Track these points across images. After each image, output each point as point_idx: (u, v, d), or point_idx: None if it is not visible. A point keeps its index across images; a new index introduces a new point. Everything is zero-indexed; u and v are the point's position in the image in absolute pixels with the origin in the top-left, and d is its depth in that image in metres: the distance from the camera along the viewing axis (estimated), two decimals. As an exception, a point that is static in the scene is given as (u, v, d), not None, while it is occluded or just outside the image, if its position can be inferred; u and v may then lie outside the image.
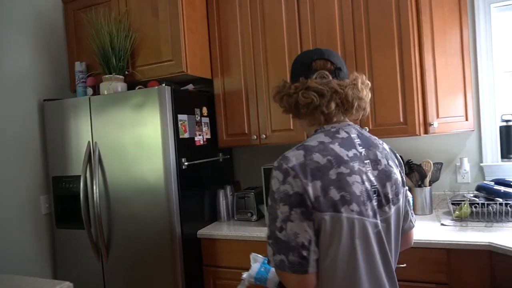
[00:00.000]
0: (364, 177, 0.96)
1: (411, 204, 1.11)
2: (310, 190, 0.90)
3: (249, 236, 2.03)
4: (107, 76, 2.22)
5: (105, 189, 2.14)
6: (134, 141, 2.05)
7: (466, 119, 2.10)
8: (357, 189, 0.94)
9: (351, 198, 0.92)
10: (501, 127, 2.15)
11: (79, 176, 2.17)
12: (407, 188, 1.14)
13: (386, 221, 0.99)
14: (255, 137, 2.30)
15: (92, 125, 2.17)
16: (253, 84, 2.30)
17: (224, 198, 2.36)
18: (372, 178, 0.98)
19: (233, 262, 2.08)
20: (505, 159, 2.15)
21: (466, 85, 2.10)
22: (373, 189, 0.97)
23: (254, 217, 2.29)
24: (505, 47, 2.19)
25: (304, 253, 0.91)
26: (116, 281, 2.13)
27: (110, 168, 2.13)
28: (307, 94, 1.01)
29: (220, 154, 2.48)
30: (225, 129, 2.40)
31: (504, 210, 1.86)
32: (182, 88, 2.29)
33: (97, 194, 2.11)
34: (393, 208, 1.01)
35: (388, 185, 1.00)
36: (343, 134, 1.01)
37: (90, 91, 2.33)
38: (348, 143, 0.99)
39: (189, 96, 2.24)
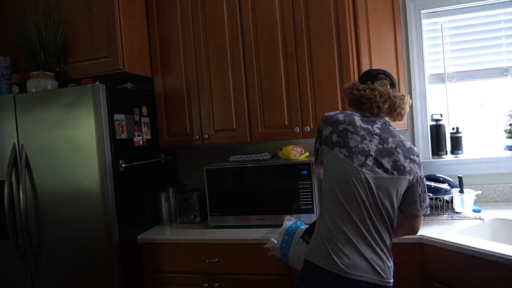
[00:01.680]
0: (365, 141, 1.35)
1: (424, 199, 1.38)
2: (323, 131, 1.45)
3: (192, 239, 1.98)
4: (35, 72, 2.05)
5: (34, 195, 1.98)
6: (66, 143, 1.92)
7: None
8: (353, 143, 1.35)
9: (344, 145, 1.36)
10: (431, 126, 2.29)
11: (3, 181, 1.98)
12: (420, 181, 1.38)
13: (376, 179, 1.31)
14: (198, 137, 2.25)
15: (17, 126, 1.99)
16: (194, 82, 2.24)
17: (166, 201, 2.28)
18: (373, 147, 1.34)
19: (176, 267, 2.01)
20: (435, 156, 2.29)
21: (400, 86, 2.20)
22: (368, 152, 1.33)
23: (198, 219, 2.24)
24: (434, 51, 2.33)
25: None
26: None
27: (39, 173, 1.97)
28: (372, 92, 1.41)
29: (162, 155, 2.40)
30: (166, 129, 2.32)
31: (434, 204, 1.97)
32: (119, 87, 2.18)
33: (24, 201, 1.94)
34: (386, 175, 1.31)
35: (386, 158, 1.33)
36: (371, 119, 1.42)
37: (16, 88, 2.14)
38: (368, 122, 1.40)
39: (127, 95, 2.14)
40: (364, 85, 1.45)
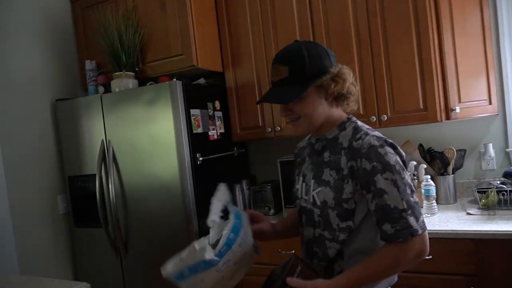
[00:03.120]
0: None
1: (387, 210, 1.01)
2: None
3: (267, 231, 1.99)
4: (117, 73, 2.19)
5: (121, 187, 2.13)
6: (148, 138, 2.03)
7: (490, 103, 2.01)
8: None
9: None
10: (527, 110, 2.05)
11: (94, 175, 2.16)
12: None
13: None
14: (270, 129, 2.25)
15: (105, 123, 2.15)
16: (265, 75, 2.24)
17: (241, 193, 2.32)
18: None
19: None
20: (532, 143, 2.06)
21: (489, 67, 2.01)
22: None
23: (272, 210, 2.25)
24: (530, 26, 2.08)
25: None
26: (136, 278, 2.13)
27: (125, 166, 2.11)
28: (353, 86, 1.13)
29: (235, 148, 2.45)
30: (238, 123, 2.35)
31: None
32: (193, 83, 2.25)
33: (113, 193, 2.10)
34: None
35: None
36: None
37: (101, 89, 2.31)
38: None
39: (201, 90, 2.20)
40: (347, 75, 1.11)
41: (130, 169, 2.10)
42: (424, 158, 2.12)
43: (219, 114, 2.30)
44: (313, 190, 1.10)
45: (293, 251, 1.89)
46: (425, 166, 2.04)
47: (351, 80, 1.10)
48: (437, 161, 2.08)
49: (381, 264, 0.98)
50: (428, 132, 2.23)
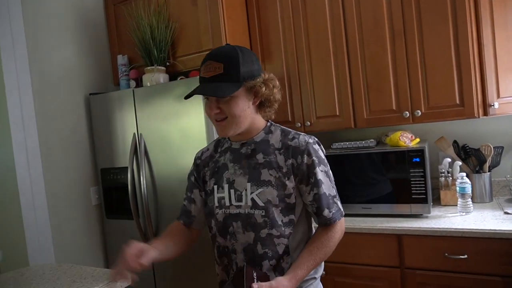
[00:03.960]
0: None
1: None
2: None
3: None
4: (149, 68, 2.22)
5: (152, 180, 2.16)
6: (178, 132, 2.05)
7: (530, 99, 1.94)
8: None
9: None
10: None
11: (126, 167, 2.21)
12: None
13: None
14: (299, 124, 2.24)
15: (137, 117, 2.19)
16: (295, 69, 2.23)
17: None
18: None
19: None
20: None
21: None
22: None
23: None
24: None
25: None
26: (166, 270, 2.17)
27: (156, 160, 2.15)
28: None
29: (263, 142, 2.44)
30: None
31: None
32: (223, 77, 2.26)
33: (144, 186, 2.14)
34: None
35: None
36: None
37: (133, 83, 2.35)
38: None
39: (231, 85, 2.21)
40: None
41: (161, 162, 2.13)
42: (458, 155, 2.06)
43: (248, 108, 2.30)
44: (252, 193, 1.11)
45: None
46: (460, 163, 1.99)
47: (278, 87, 1.18)
48: (472, 158, 2.02)
49: (323, 246, 1.12)
50: (462, 128, 2.16)
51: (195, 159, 1.32)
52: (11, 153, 1.96)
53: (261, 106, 1.16)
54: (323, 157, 1.15)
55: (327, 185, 1.13)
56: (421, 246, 1.73)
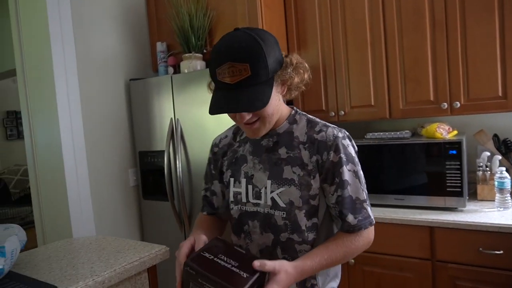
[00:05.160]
0: None
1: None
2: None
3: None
4: (187, 55, 2.28)
5: (187, 164, 2.24)
6: (214, 118, 2.10)
7: None
8: None
9: None
10: None
11: (163, 151, 2.29)
12: None
13: None
14: (333, 113, 2.24)
15: (174, 103, 2.27)
16: (331, 58, 2.22)
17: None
18: None
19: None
20: None
21: None
22: None
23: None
24: None
25: None
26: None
27: (191, 144, 2.22)
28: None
29: (296, 131, 2.46)
30: (301, 106, 2.36)
31: None
32: (258, 65, 2.29)
33: (180, 169, 2.22)
34: None
35: None
36: None
37: (171, 70, 2.43)
38: None
39: (266, 73, 2.23)
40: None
41: (196, 147, 2.20)
42: (498, 149, 2.00)
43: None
44: (273, 192, 0.99)
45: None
46: (499, 157, 1.93)
47: (308, 70, 1.01)
48: (513, 153, 1.96)
49: (344, 246, 0.97)
50: (504, 121, 2.09)
51: (212, 146, 1.17)
52: (59, 135, 2.08)
53: (290, 91, 1.01)
54: (354, 154, 1.00)
55: (355, 187, 0.97)
56: (454, 239, 1.71)
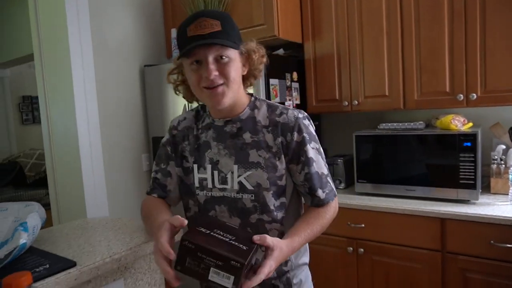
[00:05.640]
0: None
1: None
2: None
3: (339, 203, 2.00)
4: (201, 42, 2.28)
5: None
6: (227, 105, 2.12)
7: None
8: None
9: None
10: None
11: (176, 137, 2.31)
12: None
13: None
14: (347, 103, 2.23)
15: (187, 89, 2.28)
16: (346, 48, 2.21)
17: (311, 165, 2.35)
18: None
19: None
20: None
21: None
22: None
23: (343, 184, 2.26)
24: None
25: None
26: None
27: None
28: None
29: (308, 120, 2.46)
30: (315, 95, 2.36)
31: None
32: (273, 53, 2.29)
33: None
34: None
35: None
36: None
37: (185, 57, 2.43)
38: None
39: (280, 61, 2.23)
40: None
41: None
42: (514, 142, 1.97)
43: (296, 85, 2.32)
44: (240, 176, 1.01)
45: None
46: (515, 150, 1.90)
47: (265, 56, 1.06)
48: (529, 146, 1.93)
49: (320, 217, 1.02)
50: (521, 115, 2.06)
51: (170, 129, 1.15)
52: (74, 120, 2.12)
53: (245, 77, 1.05)
54: (314, 133, 1.06)
55: (319, 164, 1.03)
56: (465, 231, 1.71)
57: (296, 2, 2.32)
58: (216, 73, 0.94)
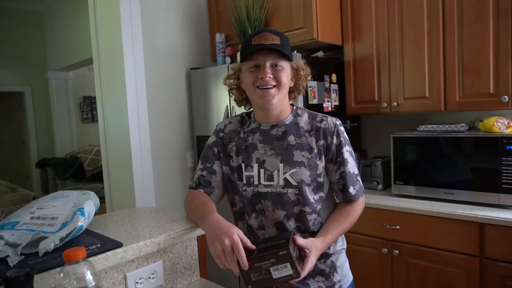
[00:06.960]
0: None
1: None
2: None
3: (375, 204, 2.02)
4: (243, 45, 2.39)
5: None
6: (266, 106, 2.20)
7: None
8: None
9: None
10: None
11: (218, 136, 2.44)
12: None
13: None
14: (386, 104, 2.23)
15: (230, 91, 2.39)
16: (385, 49, 2.21)
17: (349, 165, 2.37)
18: None
19: (356, 228, 2.08)
20: None
21: None
22: None
23: (380, 186, 2.26)
24: None
25: None
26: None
27: (244, 131, 2.34)
28: None
29: (348, 121, 2.48)
30: (354, 96, 2.38)
31: None
32: (312, 55, 2.34)
33: (233, 153, 2.35)
34: None
35: None
36: None
37: (228, 59, 2.56)
38: None
39: (319, 63, 2.28)
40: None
41: (249, 133, 2.32)
42: None
43: (335, 87, 2.35)
44: (285, 173, 1.15)
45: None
46: None
47: (311, 78, 1.25)
48: None
49: (349, 216, 1.18)
50: None
51: (217, 131, 1.28)
52: (127, 119, 2.31)
53: (291, 90, 1.22)
54: (347, 138, 1.21)
55: (352, 164, 1.18)
56: (506, 238, 1.66)
57: (336, 5, 2.35)
58: (271, 76, 1.12)
